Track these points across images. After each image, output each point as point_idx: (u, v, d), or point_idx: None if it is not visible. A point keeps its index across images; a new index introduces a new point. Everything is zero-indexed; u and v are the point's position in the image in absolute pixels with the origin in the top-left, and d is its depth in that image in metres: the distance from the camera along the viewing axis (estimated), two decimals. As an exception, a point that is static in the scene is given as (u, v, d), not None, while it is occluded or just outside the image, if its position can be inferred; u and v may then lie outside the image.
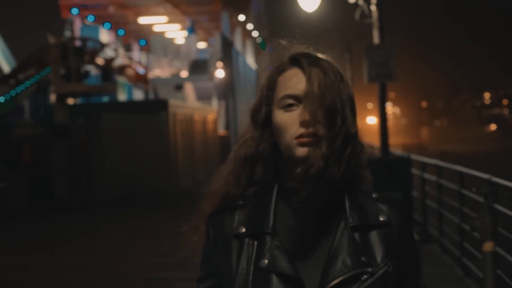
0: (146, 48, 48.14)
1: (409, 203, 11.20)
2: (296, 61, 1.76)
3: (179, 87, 40.86)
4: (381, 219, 1.72)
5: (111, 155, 21.56)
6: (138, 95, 41.67)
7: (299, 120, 1.68)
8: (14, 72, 26.46)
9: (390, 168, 11.18)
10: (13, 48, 39.93)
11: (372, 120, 66.26)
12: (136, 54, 48.53)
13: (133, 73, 38.89)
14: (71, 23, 45.87)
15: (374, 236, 1.70)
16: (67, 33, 41.82)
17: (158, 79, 42.06)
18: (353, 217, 1.70)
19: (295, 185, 1.69)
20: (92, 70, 28.14)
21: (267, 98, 1.76)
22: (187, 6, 45.01)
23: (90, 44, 29.23)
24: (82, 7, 45.71)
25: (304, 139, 1.67)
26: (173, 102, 27.63)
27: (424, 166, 12.12)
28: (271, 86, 1.76)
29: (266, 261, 1.67)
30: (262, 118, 1.77)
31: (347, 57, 28.64)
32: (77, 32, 43.23)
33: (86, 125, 21.12)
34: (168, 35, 47.85)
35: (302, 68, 1.73)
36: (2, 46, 40.37)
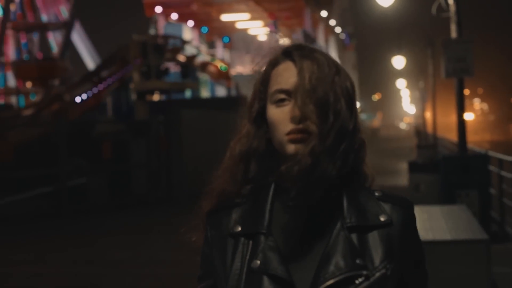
0: (229, 45, 48.46)
1: (486, 201, 10.95)
2: (288, 54, 1.68)
3: (260, 83, 40.96)
4: (381, 219, 1.62)
5: (190, 151, 21.69)
6: (221, 91, 42.00)
7: (290, 115, 1.60)
8: (97, 70, 26.96)
9: (467, 165, 10.93)
10: (98, 46, 40.76)
11: (469, 116, 65.13)
12: (220, 51, 48.90)
13: (215, 70, 39.20)
14: (155, 21, 46.56)
15: (373, 237, 1.61)
16: (152, 31, 42.50)
17: (240, 76, 42.27)
18: (350, 217, 1.61)
19: (286, 183, 1.62)
20: (172, 67, 28.44)
21: (260, 93, 1.70)
22: (269, 3, 45.10)
23: (171, 42, 29.57)
24: (165, 6, 46.32)
25: (294, 136, 1.60)
26: (253, 99, 27.60)
27: (501, 163, 11.77)
28: (264, 80, 1.70)
29: (258, 262, 1.61)
30: (255, 114, 1.70)
31: (429, 52, 28.14)
32: (161, 30, 43.82)
33: (165, 121, 21.31)
34: (251, 32, 48.02)
35: (294, 61, 1.66)
36: (87, 44, 41.28)
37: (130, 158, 20.27)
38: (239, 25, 47.82)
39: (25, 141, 19.78)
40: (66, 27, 35.31)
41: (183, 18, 46.60)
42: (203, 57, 36.78)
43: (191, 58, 32.83)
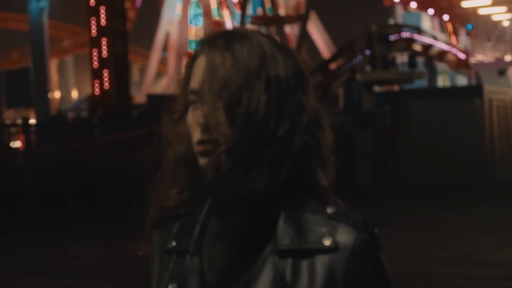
0: (472, 33, 46.77)
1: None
2: (203, 45, 1.40)
3: (502, 72, 39.10)
4: (324, 242, 1.31)
5: (418, 143, 21.17)
6: (462, 81, 40.69)
7: (197, 122, 1.34)
8: (327, 61, 27.10)
9: None
10: (336, 37, 40.95)
11: None
12: (462, 39, 47.41)
13: (453, 59, 38.01)
14: (394, 11, 46.05)
15: (311, 265, 1.30)
16: (390, 21, 42.06)
17: (481, 64, 40.64)
18: (283, 239, 1.32)
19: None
20: (399, 57, 27.93)
21: (184, 91, 1.42)
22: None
23: (406, 31, 29.06)
24: (404, -6, 45.66)
25: (202, 147, 1.34)
26: (489, 88, 26.38)
27: None
28: (186, 77, 1.42)
29: (175, 285, 1.37)
30: (177, 115, 1.43)
31: None
32: (399, 19, 43.29)
33: (392, 112, 20.94)
34: (494, 18, 45.98)
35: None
36: (324, 35, 41.65)
37: (355, 150, 20.13)
38: (481, 11, 45.90)
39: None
40: (302, 19, 35.82)
41: (422, 7, 45.64)
42: (441, 46, 35.69)
43: (427, 48, 32.07)
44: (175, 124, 1.44)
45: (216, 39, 1.38)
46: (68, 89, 57.99)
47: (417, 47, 29.68)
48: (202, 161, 1.34)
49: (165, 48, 43.68)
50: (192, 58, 1.41)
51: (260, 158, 1.31)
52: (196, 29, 41.31)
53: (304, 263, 1.30)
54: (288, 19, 38.64)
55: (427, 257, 10.51)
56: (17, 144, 22.95)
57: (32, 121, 28.18)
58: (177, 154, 1.43)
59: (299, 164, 1.36)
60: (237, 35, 1.38)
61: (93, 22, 24.51)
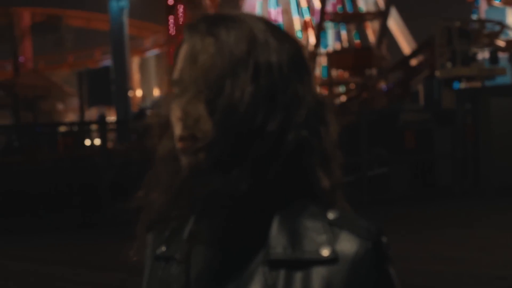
0: None
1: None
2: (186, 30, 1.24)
3: None
4: (322, 253, 1.13)
5: (499, 141, 20.56)
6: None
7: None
8: (407, 58, 26.66)
9: None
10: (416, 34, 40.33)
11: None
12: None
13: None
14: (477, 6, 45.07)
15: (306, 277, 1.13)
16: (473, 16, 41.18)
17: None
18: (275, 248, 1.15)
19: None
20: (481, 53, 27.24)
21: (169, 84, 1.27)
22: None
23: (489, 26, 28.37)
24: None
25: (181, 144, 1.19)
26: None
27: None
28: (171, 68, 1.27)
29: None
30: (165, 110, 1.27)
31: None
32: (483, 14, 42.38)
33: (473, 110, 20.41)
34: None
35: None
36: (405, 31, 41.08)
37: (433, 148, 19.70)
38: None
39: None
40: (382, 15, 35.38)
41: (507, 1, 44.50)
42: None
43: (511, 43, 31.27)
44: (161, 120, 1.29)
45: (199, 23, 1.22)
46: (150, 87, 58.78)
47: (501, 43, 28.94)
48: (183, 159, 1.19)
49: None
50: (178, 48, 1.26)
51: (245, 155, 1.14)
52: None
53: (298, 276, 1.13)
54: (368, 16, 38.23)
55: (507, 261, 10.14)
56: (97, 142, 23.31)
57: (112, 118, 28.61)
58: (164, 152, 1.28)
59: (296, 163, 1.18)
60: (224, 18, 1.22)
61: (171, 20, 24.70)
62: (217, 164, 1.14)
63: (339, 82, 36.40)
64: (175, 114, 1.20)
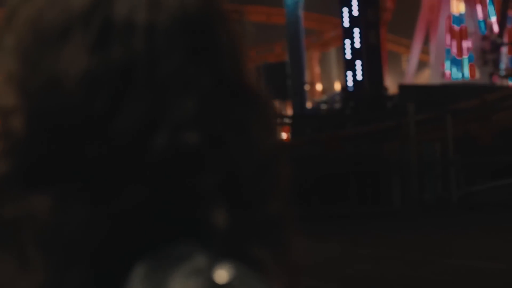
0: None
1: None
2: None
3: None
4: None
5: None
6: None
7: None
8: None
9: None
10: None
11: None
12: None
13: None
14: None
15: None
16: None
17: None
18: None
19: None
20: None
21: None
22: None
23: None
24: None
25: None
26: None
27: None
28: None
29: None
30: None
31: None
32: None
33: None
34: None
35: None
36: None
37: None
38: None
39: (509, 124, 18.86)
40: None
41: None
42: None
43: None
44: None
45: None
46: (331, 81, 58.67)
47: None
48: None
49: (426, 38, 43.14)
50: None
51: (75, 164, 0.71)
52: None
53: None
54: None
55: None
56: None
57: (289, 113, 28.67)
58: None
59: (178, 184, 0.72)
60: None
61: (345, 12, 24.39)
62: (28, 175, 0.71)
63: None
64: None
